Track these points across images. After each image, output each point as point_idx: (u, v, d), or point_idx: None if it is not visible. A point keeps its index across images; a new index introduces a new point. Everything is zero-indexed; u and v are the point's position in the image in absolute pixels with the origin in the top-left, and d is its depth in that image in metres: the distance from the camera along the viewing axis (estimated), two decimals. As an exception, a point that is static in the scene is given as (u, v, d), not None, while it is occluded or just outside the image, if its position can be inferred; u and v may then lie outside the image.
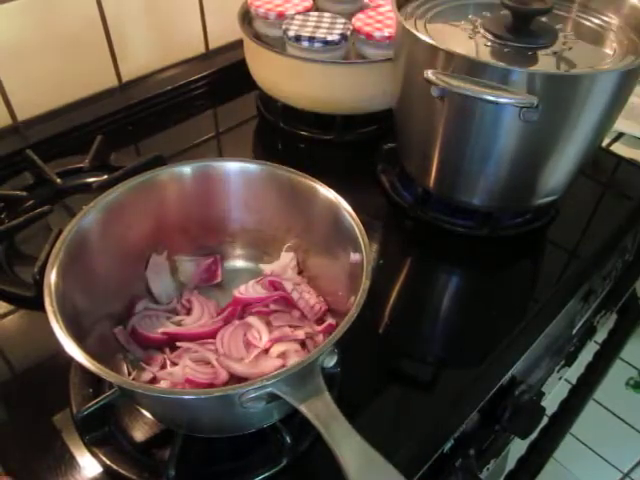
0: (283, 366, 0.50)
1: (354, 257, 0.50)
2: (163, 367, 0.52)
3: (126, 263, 0.55)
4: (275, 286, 0.57)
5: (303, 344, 0.53)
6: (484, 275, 0.70)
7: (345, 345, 0.48)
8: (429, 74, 0.57)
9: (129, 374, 0.52)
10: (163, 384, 0.50)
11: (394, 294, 0.66)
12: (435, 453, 0.52)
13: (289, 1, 0.86)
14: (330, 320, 0.54)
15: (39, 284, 0.52)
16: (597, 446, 1.32)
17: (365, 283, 0.46)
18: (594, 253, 0.71)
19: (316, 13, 0.84)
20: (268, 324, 0.54)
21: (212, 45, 1.03)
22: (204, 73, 0.95)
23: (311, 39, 0.77)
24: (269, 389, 0.40)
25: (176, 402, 0.43)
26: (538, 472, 0.78)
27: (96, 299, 0.51)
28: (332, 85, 0.79)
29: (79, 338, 0.43)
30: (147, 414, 0.51)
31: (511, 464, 0.79)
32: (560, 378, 0.84)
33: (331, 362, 0.44)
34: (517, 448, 0.76)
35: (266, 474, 0.48)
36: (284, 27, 0.80)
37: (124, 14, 0.89)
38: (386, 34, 0.78)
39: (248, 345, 0.53)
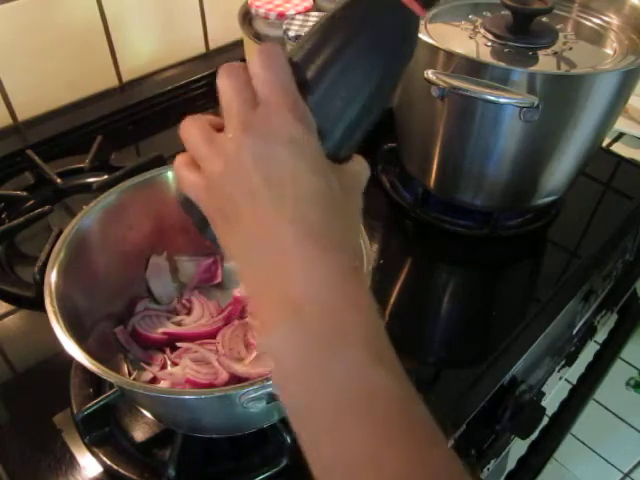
0: (283, 366, 0.50)
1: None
2: (163, 367, 0.52)
3: (126, 263, 0.55)
4: (275, 286, 0.56)
5: (303, 344, 0.53)
6: (484, 275, 0.70)
7: (345, 345, 0.47)
8: (429, 74, 0.57)
9: (129, 374, 0.52)
10: (163, 384, 0.50)
11: (394, 294, 0.66)
12: (435, 453, 0.52)
13: (289, 1, 0.86)
14: (330, 320, 0.54)
15: (39, 284, 0.52)
16: (597, 446, 1.32)
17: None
18: (594, 253, 0.71)
19: (316, 13, 0.84)
20: (268, 324, 0.54)
21: (212, 45, 1.03)
22: (204, 73, 0.95)
23: (311, 39, 0.77)
24: (269, 389, 0.40)
25: (176, 402, 0.44)
26: (538, 472, 0.78)
27: (96, 299, 0.51)
28: (332, 85, 0.79)
29: (79, 338, 0.43)
30: (147, 414, 0.51)
31: (511, 464, 0.79)
32: (560, 378, 0.84)
33: (331, 362, 0.44)
34: (517, 448, 0.76)
35: (266, 474, 0.48)
36: (284, 27, 0.80)
37: (124, 14, 0.89)
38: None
39: (248, 345, 0.53)
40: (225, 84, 0.32)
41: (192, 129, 0.33)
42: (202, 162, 0.33)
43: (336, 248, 0.30)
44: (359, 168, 0.35)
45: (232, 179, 0.31)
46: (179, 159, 0.34)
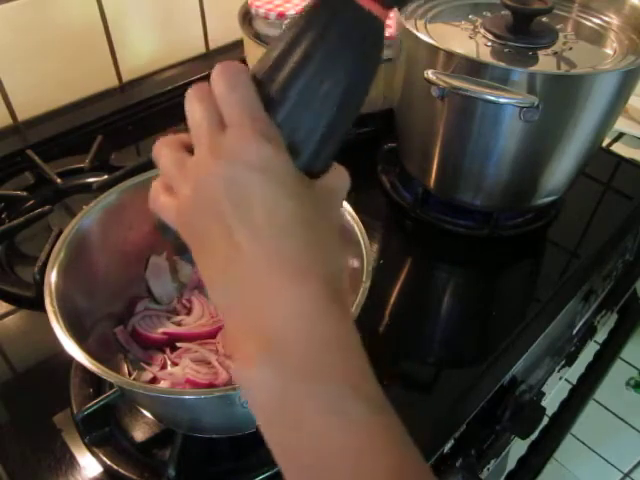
0: (283, 366, 0.50)
1: (353, 263, 0.50)
2: (163, 367, 0.52)
3: (126, 263, 0.55)
4: (275, 286, 0.56)
5: (303, 344, 0.53)
6: (484, 275, 0.70)
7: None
8: (429, 74, 0.57)
9: (129, 374, 0.52)
10: (163, 384, 0.50)
11: (394, 294, 0.66)
12: (436, 453, 0.52)
13: (289, 1, 0.86)
14: (330, 320, 0.54)
15: (39, 284, 0.52)
16: (597, 446, 1.32)
17: (365, 283, 0.46)
18: (594, 253, 0.71)
19: (316, 13, 0.83)
20: (268, 324, 0.54)
21: (212, 45, 1.03)
22: (204, 73, 0.95)
23: (311, 39, 0.77)
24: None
25: (176, 402, 0.44)
26: (538, 472, 0.78)
27: (96, 299, 0.51)
28: (332, 85, 0.79)
29: (80, 338, 0.43)
30: (147, 414, 0.51)
31: (511, 464, 0.79)
32: (560, 378, 0.84)
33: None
34: (517, 448, 0.76)
35: (266, 474, 0.48)
36: (284, 27, 0.80)
37: (124, 14, 0.89)
38: (386, 34, 0.78)
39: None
40: (192, 106, 0.31)
41: (164, 150, 0.32)
42: (174, 185, 0.32)
43: (313, 276, 0.29)
44: (338, 181, 0.33)
45: (202, 205, 0.30)
46: (155, 182, 0.34)
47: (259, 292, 0.29)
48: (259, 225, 0.29)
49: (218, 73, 0.31)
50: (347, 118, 0.32)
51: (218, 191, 0.29)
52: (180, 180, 0.31)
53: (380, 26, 0.32)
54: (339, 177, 0.33)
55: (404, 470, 0.27)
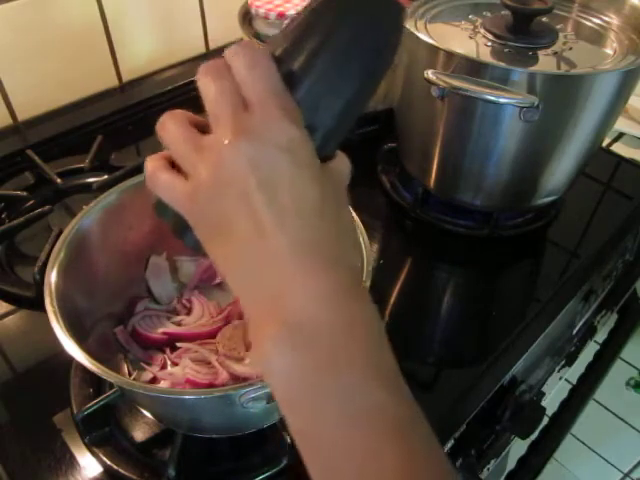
0: (283, 366, 0.50)
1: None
2: (163, 367, 0.52)
3: (126, 263, 0.55)
4: (275, 286, 0.56)
5: (303, 344, 0.53)
6: (484, 275, 0.70)
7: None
8: (429, 74, 0.57)
9: (129, 374, 0.52)
10: (163, 384, 0.50)
11: (394, 294, 0.66)
12: (435, 453, 0.52)
13: (289, 1, 0.86)
14: (330, 320, 0.54)
15: (39, 284, 0.52)
16: (597, 446, 1.32)
17: (365, 283, 0.46)
18: (594, 253, 0.71)
19: (316, 13, 0.83)
20: (268, 324, 0.54)
21: (212, 45, 1.03)
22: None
23: (311, 39, 0.77)
24: (269, 389, 0.40)
25: (176, 402, 0.44)
26: (538, 472, 0.78)
27: (96, 299, 0.51)
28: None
29: (79, 338, 0.43)
30: (147, 414, 0.51)
31: (511, 464, 0.79)
32: (560, 378, 0.84)
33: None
34: (517, 448, 0.76)
35: (266, 474, 0.48)
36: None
37: (124, 14, 0.89)
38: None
39: (248, 345, 0.53)
40: (209, 86, 0.30)
41: (174, 129, 0.31)
42: (189, 168, 0.30)
43: (335, 260, 0.29)
44: (343, 166, 0.33)
45: (223, 186, 0.29)
46: (153, 162, 0.32)
47: (280, 276, 0.28)
48: (286, 209, 0.28)
49: (236, 51, 0.30)
50: (361, 103, 0.33)
51: (244, 171, 0.28)
52: (195, 160, 0.30)
53: (402, 14, 0.32)
54: (343, 162, 0.33)
55: (414, 469, 0.27)
